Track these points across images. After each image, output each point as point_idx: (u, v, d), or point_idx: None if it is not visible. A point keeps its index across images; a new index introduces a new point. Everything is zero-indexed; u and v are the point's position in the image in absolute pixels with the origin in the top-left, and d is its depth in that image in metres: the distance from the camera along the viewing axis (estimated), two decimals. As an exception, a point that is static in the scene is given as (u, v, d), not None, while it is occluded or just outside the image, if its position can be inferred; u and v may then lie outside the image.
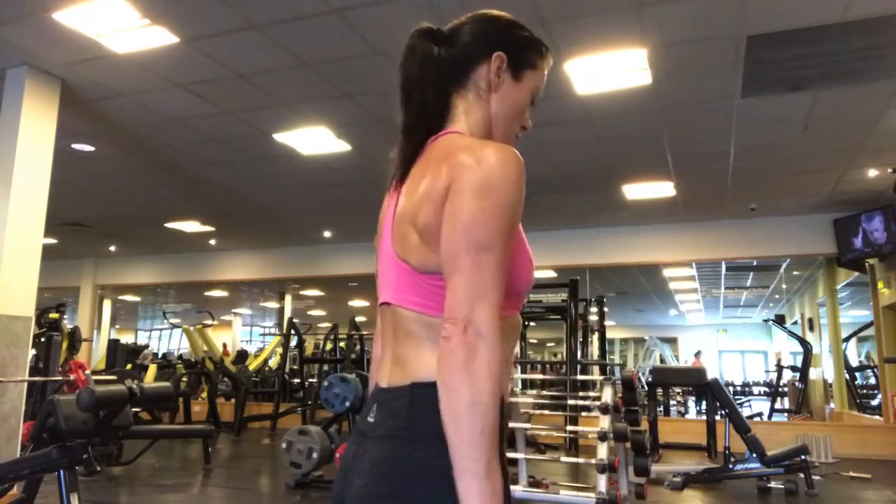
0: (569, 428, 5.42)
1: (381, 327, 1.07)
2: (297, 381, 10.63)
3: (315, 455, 5.11)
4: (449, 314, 0.85)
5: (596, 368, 8.71)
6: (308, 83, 4.64)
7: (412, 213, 0.96)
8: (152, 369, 9.84)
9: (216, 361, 9.62)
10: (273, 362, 11.86)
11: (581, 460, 4.40)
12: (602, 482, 3.79)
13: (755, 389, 16.01)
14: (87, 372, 5.22)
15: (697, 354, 15.00)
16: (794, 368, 11.64)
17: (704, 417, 7.17)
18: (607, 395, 4.16)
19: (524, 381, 6.21)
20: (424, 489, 0.87)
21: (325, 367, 10.70)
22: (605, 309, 8.57)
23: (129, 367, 9.88)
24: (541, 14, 3.72)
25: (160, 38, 4.03)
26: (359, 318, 10.01)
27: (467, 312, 0.84)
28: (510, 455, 4.25)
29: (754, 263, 10.00)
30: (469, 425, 0.80)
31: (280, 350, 10.60)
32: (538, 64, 1.10)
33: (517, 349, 7.98)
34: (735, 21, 3.77)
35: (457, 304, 0.85)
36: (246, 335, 18.64)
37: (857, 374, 10.57)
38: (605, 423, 4.03)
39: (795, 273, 11.00)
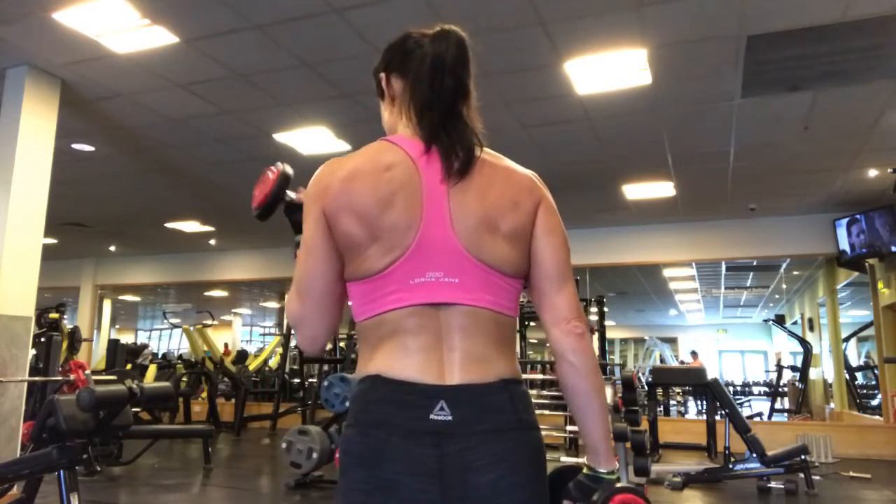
0: (569, 428, 5.42)
1: (425, 323, 0.99)
2: (297, 381, 10.63)
3: (315, 455, 5.10)
4: (575, 314, 1.06)
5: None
6: (308, 83, 4.63)
7: (491, 217, 1.02)
8: (152, 369, 9.84)
9: (216, 361, 9.62)
10: (273, 362, 11.85)
11: (581, 460, 4.40)
12: (602, 482, 3.78)
13: (755, 389, 16.02)
14: (87, 372, 5.21)
15: (694, 354, 14.98)
16: (794, 368, 11.64)
17: (704, 417, 7.16)
18: (607, 395, 4.16)
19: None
20: (545, 467, 1.04)
21: (325, 367, 10.70)
22: (605, 309, 8.56)
23: (129, 367, 9.85)
24: (541, 14, 3.72)
25: (160, 38, 4.03)
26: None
27: (581, 313, 1.08)
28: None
29: (754, 263, 10.00)
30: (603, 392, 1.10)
31: (280, 350, 10.60)
32: None
33: (518, 348, 7.99)
34: (735, 21, 3.78)
35: (577, 306, 1.08)
36: (246, 335, 18.65)
37: (858, 374, 10.56)
38: (605, 423, 4.03)
39: (795, 273, 10.99)
